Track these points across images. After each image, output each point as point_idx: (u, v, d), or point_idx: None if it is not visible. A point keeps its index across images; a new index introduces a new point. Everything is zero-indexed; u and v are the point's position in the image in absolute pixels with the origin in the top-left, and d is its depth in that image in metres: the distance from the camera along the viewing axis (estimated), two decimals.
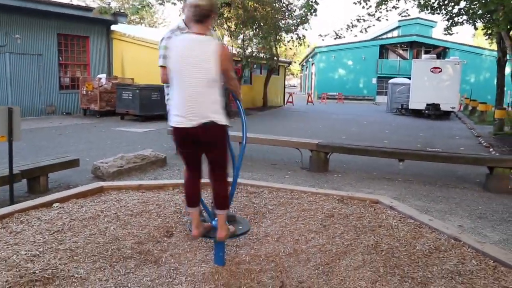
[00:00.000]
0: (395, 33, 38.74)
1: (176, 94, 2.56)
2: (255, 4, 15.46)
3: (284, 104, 24.55)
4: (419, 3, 12.59)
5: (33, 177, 4.93)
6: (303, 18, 11.49)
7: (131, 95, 12.93)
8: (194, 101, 2.48)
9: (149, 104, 12.96)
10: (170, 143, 8.00)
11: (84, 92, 14.19)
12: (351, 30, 11.41)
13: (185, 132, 2.52)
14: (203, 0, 2.53)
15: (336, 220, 3.60)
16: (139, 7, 8.04)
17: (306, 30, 17.19)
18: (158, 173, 6.04)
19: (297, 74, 77.03)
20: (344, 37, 11.86)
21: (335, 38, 11.73)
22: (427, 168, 7.06)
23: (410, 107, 18.76)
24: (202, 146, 2.58)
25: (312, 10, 10.13)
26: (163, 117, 13.48)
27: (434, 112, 17.95)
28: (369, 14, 11.20)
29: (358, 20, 11.22)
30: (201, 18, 2.53)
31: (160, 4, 7.80)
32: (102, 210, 3.69)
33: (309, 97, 27.23)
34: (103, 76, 14.65)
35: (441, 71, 18.29)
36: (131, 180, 5.48)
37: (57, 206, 3.74)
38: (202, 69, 2.45)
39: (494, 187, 5.78)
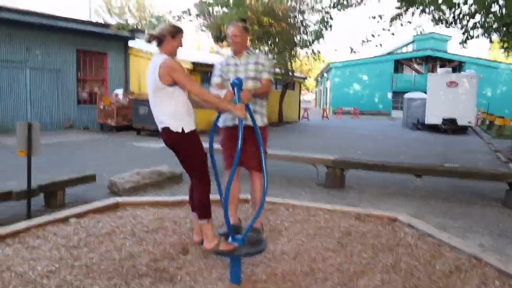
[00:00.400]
0: (409, 48, 38.63)
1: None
2: (270, 20, 15.58)
3: (299, 120, 24.53)
4: (434, 17, 12.53)
5: (50, 191, 4.98)
6: (318, 34, 11.54)
7: (147, 110, 13.05)
8: (153, 109, 2.98)
9: None
10: None
11: (101, 107, 14.39)
12: (366, 45, 11.40)
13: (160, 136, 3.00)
14: (157, 28, 3.11)
15: (354, 238, 3.54)
16: (156, 23, 8.17)
17: (321, 45, 17.26)
18: (174, 190, 6.04)
19: (312, 89, 77.14)
20: (359, 51, 11.86)
21: (350, 53, 11.73)
22: (445, 184, 6.93)
23: (426, 122, 18.55)
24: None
25: (327, 26, 10.16)
26: None
27: (450, 126, 17.71)
28: (383, 29, 11.19)
29: (373, 35, 11.22)
30: (157, 42, 3.08)
31: (177, 20, 7.92)
32: (118, 226, 3.69)
33: (324, 112, 27.19)
34: (120, 91, 14.86)
35: (457, 85, 18.10)
36: (147, 196, 5.50)
37: (73, 222, 3.76)
38: (151, 80, 2.91)
39: None
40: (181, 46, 3.12)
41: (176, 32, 3.02)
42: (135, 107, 13.48)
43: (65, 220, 3.78)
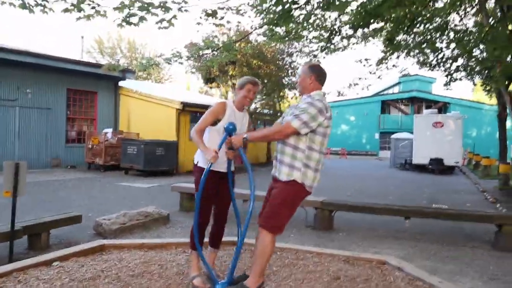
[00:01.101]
0: (396, 89, 39.52)
1: None
2: (259, 62, 15.94)
3: None
4: (418, 60, 12.95)
5: (34, 233, 4.87)
6: None
7: (136, 150, 13.04)
8: None
9: (154, 159, 13.02)
10: (173, 199, 7.95)
11: (90, 146, 14.33)
12: (353, 88, 11.66)
13: None
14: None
15: (343, 283, 3.49)
16: (147, 65, 8.29)
17: None
18: (161, 231, 5.95)
19: None
20: (346, 94, 12.11)
21: (338, 96, 11.96)
22: (434, 226, 6.93)
23: (414, 162, 18.76)
24: None
25: None
26: (167, 172, 13.59)
27: (437, 167, 17.90)
28: (370, 72, 11.49)
29: (360, 78, 11.50)
30: None
31: (168, 63, 8.05)
32: (103, 270, 3.59)
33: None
34: (109, 130, 14.86)
35: (443, 126, 18.47)
36: (134, 238, 5.40)
37: (56, 265, 3.65)
38: None
39: (504, 245, 5.63)
40: (247, 96, 3.36)
41: (242, 85, 3.40)
42: (124, 146, 13.45)
43: (48, 263, 3.67)
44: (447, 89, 14.12)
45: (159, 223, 6.31)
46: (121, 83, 16.44)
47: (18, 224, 4.66)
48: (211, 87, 26.81)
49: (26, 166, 4.41)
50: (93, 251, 4.08)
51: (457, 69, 13.46)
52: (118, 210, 6.37)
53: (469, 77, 14.18)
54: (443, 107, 33.93)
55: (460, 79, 14.01)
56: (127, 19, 5.81)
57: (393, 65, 12.03)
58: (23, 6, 4.79)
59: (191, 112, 14.98)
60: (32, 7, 4.90)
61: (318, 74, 3.14)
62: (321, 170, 3.14)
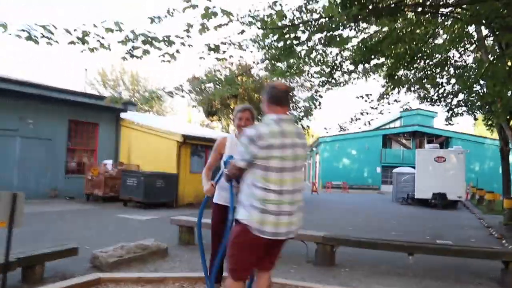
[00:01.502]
0: (397, 123, 39.79)
1: None
2: (260, 96, 16.13)
3: None
4: (419, 95, 13.07)
5: (29, 265, 4.79)
6: (308, 111, 11.92)
7: (135, 181, 13.00)
8: None
9: (153, 191, 12.97)
10: (172, 232, 7.86)
11: (89, 177, 14.30)
12: (354, 123, 11.71)
13: None
14: None
15: None
16: (149, 98, 8.37)
17: (310, 120, 17.76)
18: (159, 265, 5.85)
19: None
20: (348, 129, 12.16)
21: (339, 131, 12.02)
22: (438, 262, 6.80)
23: (416, 196, 18.64)
24: None
25: (316, 103, 10.52)
26: (166, 204, 13.50)
27: (440, 201, 17.77)
28: (372, 108, 11.59)
29: (361, 113, 11.59)
30: None
31: (170, 96, 8.13)
32: None
33: (314, 186, 27.23)
34: (109, 162, 14.88)
35: (445, 160, 18.45)
36: (131, 271, 5.30)
37: None
38: None
39: (511, 282, 5.51)
40: (240, 124, 3.57)
41: (234, 114, 3.62)
42: (124, 178, 13.43)
43: None
44: (448, 124, 14.19)
45: (157, 256, 6.21)
46: (122, 115, 16.59)
47: (13, 255, 4.59)
48: (212, 120, 27.01)
49: (23, 197, 4.38)
50: (88, 285, 4.01)
51: (458, 104, 13.57)
52: (115, 242, 6.28)
53: (470, 112, 14.27)
54: (445, 141, 34.02)
55: (462, 114, 14.10)
56: (131, 51, 5.93)
57: (395, 100, 12.12)
58: (29, 38, 4.90)
59: (192, 144, 15.03)
60: (38, 38, 5.01)
61: (269, 96, 2.82)
62: (290, 213, 2.68)
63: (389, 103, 12.04)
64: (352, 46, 9.47)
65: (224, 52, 6.96)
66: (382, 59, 10.62)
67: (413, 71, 11.67)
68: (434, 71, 11.74)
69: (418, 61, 11.02)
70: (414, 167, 19.89)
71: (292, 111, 18.19)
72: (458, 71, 11.77)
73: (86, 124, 15.62)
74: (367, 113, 11.87)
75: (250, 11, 7.14)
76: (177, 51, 6.14)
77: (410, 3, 8.01)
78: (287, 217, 2.64)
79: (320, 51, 9.41)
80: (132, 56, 5.98)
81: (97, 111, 15.53)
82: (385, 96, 11.93)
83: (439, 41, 11.47)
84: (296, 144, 2.69)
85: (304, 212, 2.83)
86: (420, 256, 6.27)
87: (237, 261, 2.73)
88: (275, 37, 7.17)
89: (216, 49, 6.75)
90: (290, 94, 2.88)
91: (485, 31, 11.04)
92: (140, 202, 12.94)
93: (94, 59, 60.72)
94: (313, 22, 7.11)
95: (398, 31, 9.20)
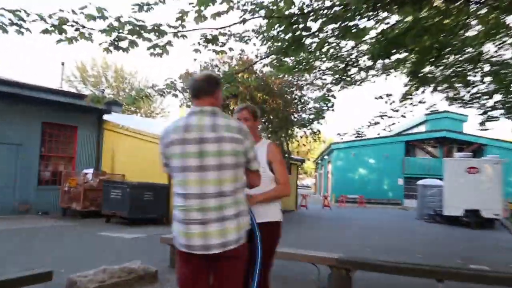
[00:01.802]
0: (422, 128, 39.64)
1: None
2: (264, 95, 16.12)
3: (296, 208, 24.46)
4: (448, 96, 13.03)
5: None
6: (319, 113, 11.93)
7: (120, 193, 12.99)
8: None
9: (141, 205, 12.95)
10: (163, 253, 7.83)
11: (66, 188, 14.30)
12: (373, 128, 11.68)
13: None
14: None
15: None
16: (137, 98, 8.36)
17: (321, 124, 17.78)
18: None
19: (311, 173, 77.92)
20: (365, 135, 12.13)
21: (356, 137, 12.00)
22: None
23: (445, 213, 18.54)
24: None
25: (328, 105, 10.52)
26: (156, 221, 13.45)
27: (474, 219, 17.64)
28: (393, 110, 11.56)
29: (381, 116, 11.56)
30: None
31: (161, 95, 8.13)
32: None
33: (326, 200, 27.22)
34: (89, 171, 14.89)
35: (478, 171, 18.36)
36: None
37: None
38: None
39: None
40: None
41: (234, 114, 3.65)
42: (106, 189, 13.41)
43: None
44: (482, 129, 14.11)
45: (145, 281, 6.18)
46: (105, 117, 16.61)
47: None
48: None
49: None
50: None
51: (494, 106, 13.51)
52: (96, 265, 6.25)
53: (508, 116, 14.19)
54: (478, 149, 33.91)
55: (498, 118, 14.02)
56: (115, 43, 5.91)
57: (420, 101, 12.08)
58: None
59: None
60: (6, 26, 4.99)
61: (189, 89, 2.99)
62: (203, 221, 2.66)
63: (412, 105, 12.00)
64: (370, 38, 9.46)
65: (223, 44, 6.96)
66: (405, 54, 10.59)
67: (441, 68, 11.62)
68: (465, 67, 11.70)
69: (447, 56, 10.98)
70: (441, 179, 19.82)
71: (300, 113, 18.19)
72: (494, 67, 11.73)
73: (63, 127, 15.63)
74: (387, 116, 11.84)
75: None
76: (169, 43, 6.14)
77: None
78: (198, 226, 2.63)
79: (334, 44, 9.40)
80: (117, 48, 5.97)
81: (75, 112, 15.52)
82: (408, 97, 11.89)
83: (472, 33, 11.44)
84: (206, 139, 2.66)
85: (238, 222, 2.70)
86: (451, 283, 6.21)
87: (178, 280, 2.81)
88: (282, 28, 7.17)
89: (214, 40, 6.75)
90: (213, 82, 2.88)
91: None
92: (126, 218, 12.91)
93: (73, 52, 61.02)
94: (326, 11, 7.11)
95: (424, 21, 9.18)
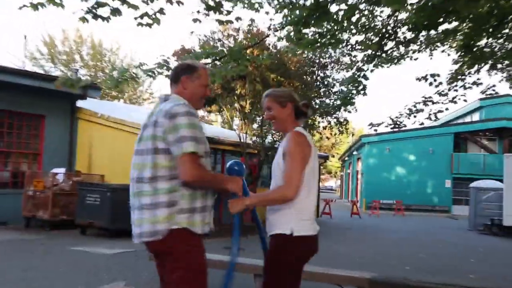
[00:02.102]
0: (475, 117, 39.27)
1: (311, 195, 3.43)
2: (279, 77, 16.08)
3: (318, 216, 24.45)
4: (509, 75, 12.92)
5: None
6: (347, 98, 11.85)
7: (99, 199, 13.02)
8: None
9: (125, 213, 12.80)
10: (152, 271, 7.85)
11: (31, 193, 14.31)
12: (414, 116, 11.63)
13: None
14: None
15: None
16: (120, 79, 8.37)
17: (350, 112, 17.72)
18: None
19: (336, 173, 77.85)
20: (404, 126, 12.08)
21: (392, 128, 11.95)
22: None
23: (505, 223, 18.44)
24: None
25: (359, 88, 10.47)
26: None
27: None
28: (439, 94, 11.50)
29: (424, 102, 11.51)
30: None
31: (150, 76, 8.14)
32: None
33: (354, 206, 27.17)
34: (60, 170, 14.92)
35: None
36: None
37: None
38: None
39: None
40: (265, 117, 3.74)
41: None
42: (82, 193, 13.45)
43: None
44: None
45: None
46: (80, 104, 16.65)
47: None
48: (210, 111, 27.03)
49: None
50: None
51: None
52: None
53: None
54: None
55: None
56: (94, 10, 5.90)
57: (474, 83, 11.99)
58: None
59: None
60: None
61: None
62: (132, 207, 3.26)
63: (464, 87, 11.92)
64: (411, 4, 9.40)
65: (228, 12, 6.95)
66: (456, 23, 10.51)
67: (500, 41, 11.53)
68: None
69: (508, 25, 10.89)
70: (501, 180, 19.69)
71: (323, 98, 18.16)
72: None
73: (26, 117, 15.63)
74: (432, 102, 11.78)
75: None
76: (161, 11, 6.14)
77: None
78: (132, 213, 3.20)
79: (366, 12, 9.37)
80: (95, 17, 5.98)
81: (42, 98, 15.51)
82: (459, 77, 11.81)
83: None
84: (145, 124, 3.19)
85: (148, 212, 3.07)
86: None
87: None
88: None
89: (217, 7, 6.74)
90: (178, 69, 3.40)
91: None
92: (105, 229, 12.95)
93: (39, 22, 61.19)
94: None
95: None
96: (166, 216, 2.97)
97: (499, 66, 12.58)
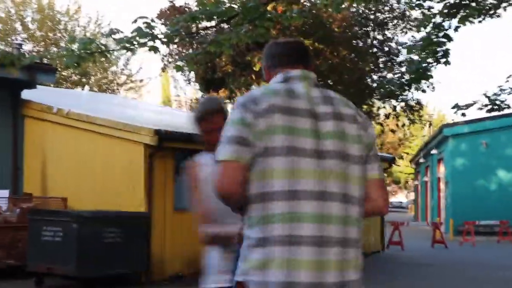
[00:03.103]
0: None
1: None
2: (315, 43, 16.04)
3: (384, 248, 24.45)
4: None
5: None
6: (420, 72, 11.75)
7: (60, 233, 13.06)
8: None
9: (99, 254, 13.01)
10: None
11: None
12: None
13: None
14: None
15: None
16: (83, 54, 8.41)
17: (424, 92, 17.55)
18: None
19: (406, 182, 77.48)
20: (509, 106, 11.99)
21: (489, 111, 11.87)
22: None
23: None
24: None
25: (439, 55, 10.39)
26: (128, 280, 13.48)
27: None
28: None
29: None
30: None
31: (127, 49, 8.16)
32: None
33: (437, 231, 27.00)
34: (2, 194, 15.00)
35: None
36: None
37: None
38: None
39: None
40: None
41: None
42: (34, 227, 13.51)
43: None
44: None
45: None
46: (26, 95, 16.72)
47: None
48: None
49: None
50: None
51: None
52: None
53: None
54: None
55: None
56: None
57: None
58: None
59: (175, 150, 15.07)
60: None
61: (268, 56, 3.31)
62: None
63: None
64: None
65: None
66: None
67: None
68: None
69: None
70: None
71: (383, 71, 18.10)
72: None
73: None
74: None
75: None
76: None
77: None
78: (336, 249, 2.82)
79: None
80: None
81: None
82: None
83: None
84: (320, 114, 2.96)
85: None
86: None
87: None
88: None
89: None
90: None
91: None
92: (71, 277, 13.02)
93: None
94: None
95: None
96: (361, 259, 2.83)
97: None
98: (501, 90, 11.73)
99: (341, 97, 3.01)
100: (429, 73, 12.02)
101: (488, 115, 15.17)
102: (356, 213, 2.78)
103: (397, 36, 18.36)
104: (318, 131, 2.81)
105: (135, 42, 8.33)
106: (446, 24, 10.91)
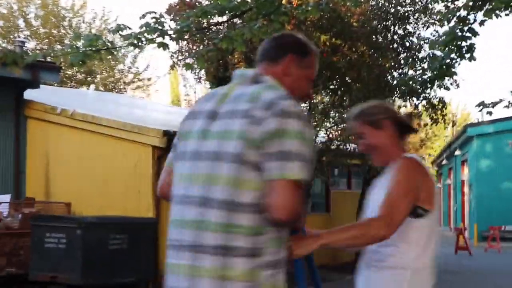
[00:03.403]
0: None
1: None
2: (333, 39, 16.00)
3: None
4: None
5: None
6: (443, 67, 11.70)
7: (64, 240, 13.07)
8: None
9: (104, 261, 13.01)
10: None
11: None
12: None
13: None
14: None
15: None
16: (89, 52, 8.39)
17: (448, 89, 17.49)
18: None
19: None
20: None
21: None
22: None
23: None
24: None
25: (463, 50, 10.33)
26: None
27: None
28: None
29: None
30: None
31: (134, 46, 8.13)
32: None
33: (460, 237, 26.95)
34: (3, 199, 15.02)
35: None
36: None
37: None
38: None
39: None
40: None
41: None
42: (37, 233, 13.52)
43: None
44: None
45: None
46: (29, 95, 16.73)
47: None
48: None
49: None
50: None
51: None
52: None
53: None
54: None
55: None
56: None
57: None
58: None
59: None
60: None
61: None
62: None
63: None
64: None
65: None
66: None
67: None
68: None
69: None
70: None
71: (404, 68, 18.04)
72: None
73: None
74: None
75: None
76: None
77: None
78: (174, 254, 3.01)
79: None
80: None
81: None
82: None
83: None
84: (213, 111, 3.03)
85: None
86: None
87: None
88: None
89: None
90: (291, 43, 3.26)
91: None
92: (75, 286, 13.02)
93: None
94: None
95: None
96: (246, 270, 2.70)
97: None
98: None
99: (261, 91, 2.87)
100: (452, 70, 11.97)
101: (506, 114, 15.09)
102: (215, 217, 2.72)
103: (419, 30, 18.31)
104: (207, 132, 2.90)
105: (143, 39, 8.31)
106: (471, 17, 10.84)
